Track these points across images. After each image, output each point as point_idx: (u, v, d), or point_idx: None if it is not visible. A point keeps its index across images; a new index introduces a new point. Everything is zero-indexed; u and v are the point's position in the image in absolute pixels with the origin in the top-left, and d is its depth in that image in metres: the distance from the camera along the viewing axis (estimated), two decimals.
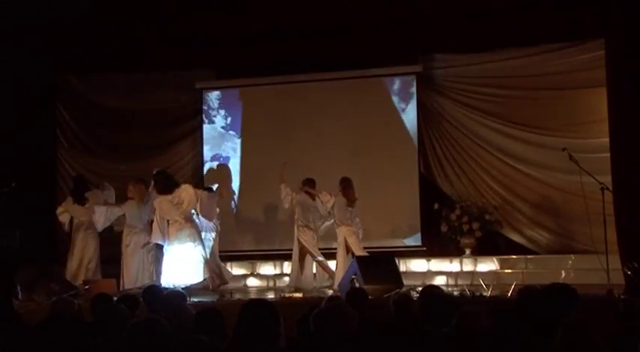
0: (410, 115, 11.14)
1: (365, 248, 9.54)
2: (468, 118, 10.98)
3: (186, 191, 9.27)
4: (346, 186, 9.61)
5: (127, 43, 10.93)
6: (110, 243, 11.83)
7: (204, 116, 11.87)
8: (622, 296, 7.70)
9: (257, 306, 3.51)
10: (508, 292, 7.97)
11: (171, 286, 8.41)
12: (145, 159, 11.95)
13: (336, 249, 9.73)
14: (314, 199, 9.82)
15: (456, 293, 8.54)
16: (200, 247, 9.16)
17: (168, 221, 9.40)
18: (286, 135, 11.47)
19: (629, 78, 9.32)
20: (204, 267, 9.11)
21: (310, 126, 11.44)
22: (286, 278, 10.27)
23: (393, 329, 3.53)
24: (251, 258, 11.08)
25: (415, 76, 11.14)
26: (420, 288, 6.29)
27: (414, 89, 11.13)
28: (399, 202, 11.01)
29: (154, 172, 9.71)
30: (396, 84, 11.30)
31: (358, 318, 3.57)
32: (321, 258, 9.72)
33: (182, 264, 9.04)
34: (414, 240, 10.90)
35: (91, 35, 10.86)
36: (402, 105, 11.20)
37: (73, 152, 12.19)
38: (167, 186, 9.32)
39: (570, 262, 10.00)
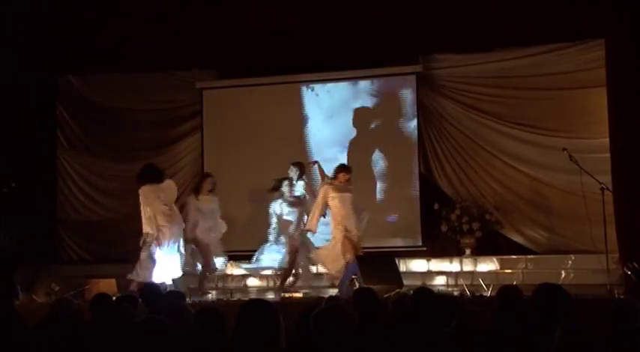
0: (410, 115, 11.14)
1: (365, 248, 9.52)
2: (468, 118, 10.97)
3: (170, 187, 9.21)
4: None
5: (126, 43, 10.94)
6: (109, 243, 11.88)
7: (205, 115, 11.86)
8: (621, 296, 7.71)
9: (257, 306, 3.51)
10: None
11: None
12: (145, 159, 11.87)
13: None
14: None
15: (456, 293, 8.54)
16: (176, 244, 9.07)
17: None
18: (286, 135, 11.48)
19: (629, 78, 9.34)
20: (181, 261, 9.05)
21: (310, 125, 11.44)
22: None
23: (392, 330, 3.54)
24: (251, 258, 11.06)
25: (415, 76, 11.13)
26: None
27: (414, 89, 11.12)
28: (398, 202, 11.01)
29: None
30: (396, 84, 11.29)
31: (358, 318, 3.57)
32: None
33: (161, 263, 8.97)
34: (414, 240, 10.89)
35: (90, 35, 10.87)
36: (402, 106, 11.19)
37: (73, 152, 12.19)
38: (154, 177, 9.14)
39: (570, 262, 9.99)
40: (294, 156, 11.26)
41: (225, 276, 10.71)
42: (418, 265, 10.49)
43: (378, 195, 11.06)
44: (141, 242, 8.82)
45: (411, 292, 6.85)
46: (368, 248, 9.60)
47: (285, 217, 9.49)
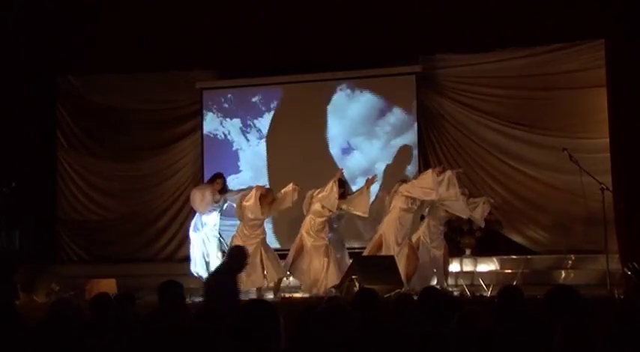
0: (410, 115, 11.13)
1: (365, 248, 9.52)
2: (468, 118, 10.98)
3: None
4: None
5: (127, 43, 10.93)
6: (109, 243, 11.88)
7: (204, 116, 11.85)
8: (621, 296, 7.71)
9: (257, 306, 3.51)
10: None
11: None
12: (145, 159, 11.96)
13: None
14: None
15: (456, 293, 8.53)
16: None
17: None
18: (286, 135, 11.48)
19: (629, 78, 9.34)
20: None
21: (310, 125, 11.44)
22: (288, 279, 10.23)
23: (392, 330, 3.53)
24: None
25: (415, 76, 11.12)
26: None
27: (414, 89, 11.11)
28: None
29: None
30: (396, 84, 11.28)
31: (359, 318, 3.56)
32: None
33: None
34: None
35: (90, 35, 10.86)
36: (402, 105, 11.19)
37: (72, 152, 12.18)
38: None
39: (570, 262, 10.00)
40: (293, 157, 11.30)
41: None
42: None
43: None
44: None
45: (411, 292, 6.86)
46: None
47: None
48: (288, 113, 11.56)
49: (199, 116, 11.88)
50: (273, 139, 11.56)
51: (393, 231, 9.02)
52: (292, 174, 10.55)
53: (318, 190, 9.28)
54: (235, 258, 6.79)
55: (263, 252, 9.30)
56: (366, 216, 9.37)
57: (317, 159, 11.16)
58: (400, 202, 9.09)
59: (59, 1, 10.80)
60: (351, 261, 9.17)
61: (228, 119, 11.74)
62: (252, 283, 9.16)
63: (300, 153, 11.30)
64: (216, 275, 6.99)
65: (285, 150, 11.38)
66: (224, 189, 9.64)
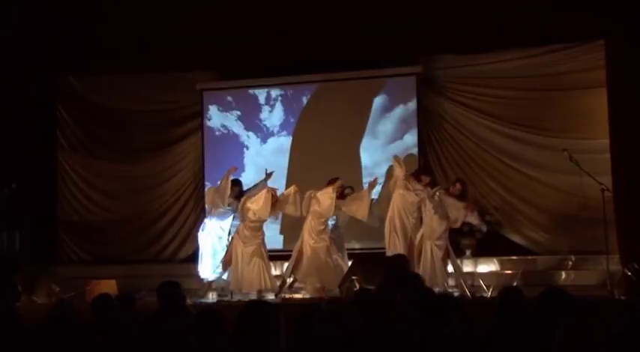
0: (410, 116, 11.13)
1: (365, 248, 9.53)
2: (468, 119, 10.98)
3: None
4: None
5: (126, 43, 10.93)
6: (109, 244, 11.88)
7: (208, 113, 11.85)
8: (622, 297, 7.71)
9: (257, 307, 3.51)
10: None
11: None
12: (145, 160, 11.95)
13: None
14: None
15: (456, 293, 8.53)
16: None
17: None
18: (289, 134, 11.48)
19: (628, 78, 9.35)
20: None
21: (310, 125, 11.44)
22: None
23: (392, 330, 3.53)
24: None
25: (415, 76, 11.12)
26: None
27: (414, 90, 11.11)
28: None
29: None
30: (397, 84, 11.29)
31: (361, 319, 3.56)
32: None
33: None
34: None
35: (90, 35, 10.86)
36: (402, 106, 11.19)
37: (72, 152, 12.18)
38: None
39: (570, 262, 9.99)
40: (297, 157, 11.29)
41: None
42: None
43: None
44: None
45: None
46: (368, 248, 9.60)
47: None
48: (290, 113, 11.56)
49: (200, 117, 11.88)
50: (276, 139, 11.56)
51: (397, 214, 9.06)
52: (295, 174, 10.58)
53: (317, 191, 9.28)
54: (397, 264, 7.01)
55: (264, 254, 9.32)
56: (365, 220, 9.36)
57: (319, 159, 11.16)
58: (400, 188, 9.14)
59: (59, 0, 10.80)
60: (350, 261, 9.18)
61: (229, 114, 11.76)
62: (251, 285, 9.18)
63: (303, 154, 11.31)
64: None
65: (289, 150, 11.39)
66: (239, 196, 9.60)
